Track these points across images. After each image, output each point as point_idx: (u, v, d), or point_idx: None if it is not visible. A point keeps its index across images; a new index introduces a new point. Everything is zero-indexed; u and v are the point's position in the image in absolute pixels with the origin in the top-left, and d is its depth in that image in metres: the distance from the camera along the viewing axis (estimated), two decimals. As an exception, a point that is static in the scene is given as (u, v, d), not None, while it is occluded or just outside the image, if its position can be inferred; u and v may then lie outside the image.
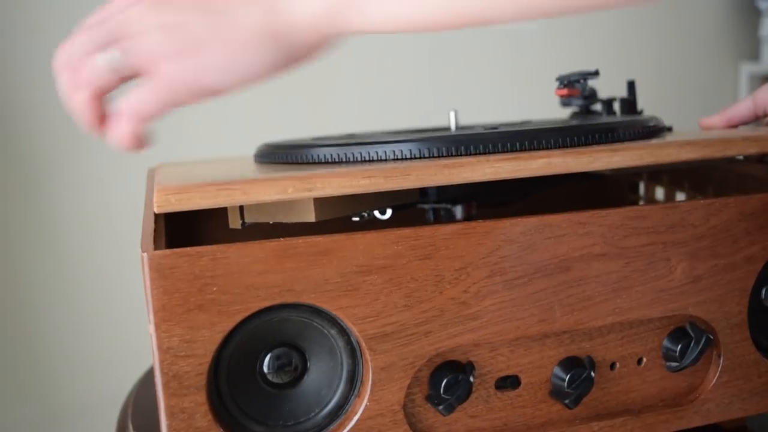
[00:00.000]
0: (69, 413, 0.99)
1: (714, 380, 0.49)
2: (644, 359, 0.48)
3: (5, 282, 0.95)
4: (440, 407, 0.44)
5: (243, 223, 0.45)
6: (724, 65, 1.63)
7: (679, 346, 0.47)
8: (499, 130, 0.48)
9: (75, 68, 0.42)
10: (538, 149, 0.45)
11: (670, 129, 0.61)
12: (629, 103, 0.62)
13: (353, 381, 0.43)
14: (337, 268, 0.40)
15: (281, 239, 0.40)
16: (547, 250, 0.43)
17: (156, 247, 0.39)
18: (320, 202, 0.43)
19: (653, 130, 0.51)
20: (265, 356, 0.42)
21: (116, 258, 0.97)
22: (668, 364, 0.48)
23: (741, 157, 0.59)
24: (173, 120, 1.00)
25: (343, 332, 0.42)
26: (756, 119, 0.53)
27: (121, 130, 0.41)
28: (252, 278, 0.39)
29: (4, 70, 0.90)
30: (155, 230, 0.42)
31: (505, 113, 1.08)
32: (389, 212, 0.49)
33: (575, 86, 0.63)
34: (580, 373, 0.46)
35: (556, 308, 0.44)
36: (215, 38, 0.39)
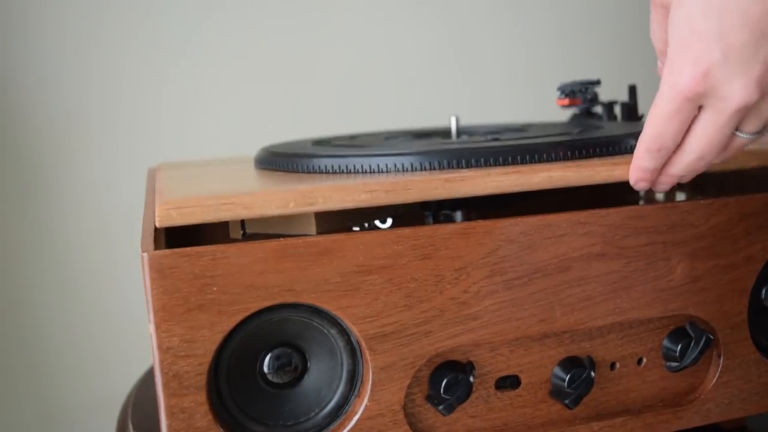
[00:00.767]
0: (69, 413, 0.99)
1: (714, 380, 0.49)
2: (644, 359, 0.48)
3: (4, 282, 0.95)
4: (440, 407, 0.44)
5: (244, 234, 0.46)
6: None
7: (679, 346, 0.47)
8: (500, 142, 0.48)
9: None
10: (539, 162, 0.45)
11: None
12: (630, 108, 0.62)
13: (353, 381, 0.43)
14: (337, 268, 0.40)
15: (281, 239, 0.40)
16: (547, 250, 0.43)
17: (156, 247, 0.39)
18: (321, 215, 0.44)
19: None
20: (265, 356, 0.42)
21: (116, 258, 0.97)
22: (668, 364, 0.48)
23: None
24: (173, 119, 1.00)
25: (343, 332, 0.42)
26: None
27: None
28: (252, 278, 0.39)
29: (3, 70, 0.90)
30: (155, 230, 0.42)
31: (505, 112, 1.08)
32: (390, 221, 0.49)
33: (576, 96, 0.63)
34: (580, 373, 0.46)
35: (556, 308, 0.44)
36: None
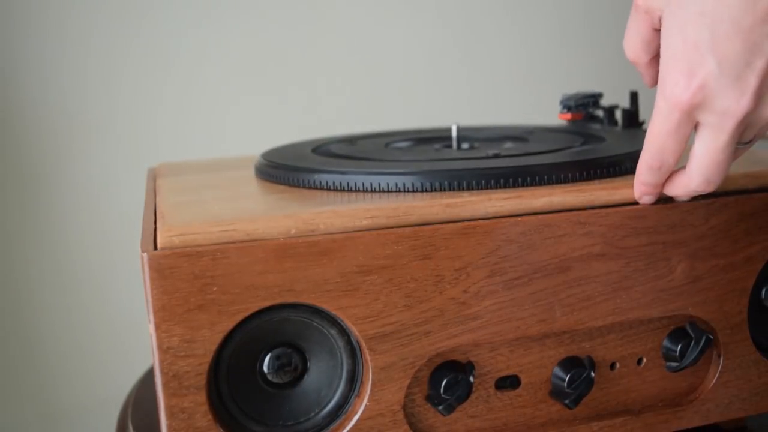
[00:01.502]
0: (69, 413, 0.99)
1: (714, 380, 0.49)
2: (644, 359, 0.48)
3: (4, 281, 0.95)
4: (440, 407, 0.44)
5: None
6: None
7: (679, 346, 0.47)
8: (501, 161, 0.49)
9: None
10: (540, 185, 0.45)
11: None
12: (631, 114, 0.62)
13: (353, 381, 0.43)
14: (337, 268, 0.40)
15: (281, 239, 0.40)
16: (547, 250, 0.43)
17: (156, 247, 0.39)
18: None
19: None
20: (265, 356, 0.42)
21: (116, 258, 0.97)
22: (668, 364, 0.48)
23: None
24: (174, 119, 1.00)
25: (343, 332, 0.42)
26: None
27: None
28: (252, 278, 0.39)
29: (3, 70, 0.90)
30: (155, 230, 0.42)
31: (506, 111, 1.08)
32: None
33: (578, 110, 0.64)
34: (580, 373, 0.46)
35: (556, 308, 0.44)
36: None
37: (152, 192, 0.53)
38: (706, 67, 0.37)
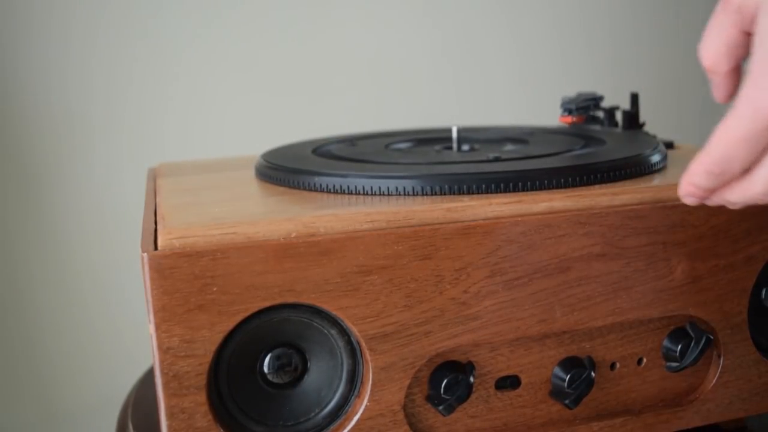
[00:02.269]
0: (69, 413, 0.99)
1: (714, 380, 0.49)
2: (644, 359, 0.48)
3: (4, 281, 0.95)
4: (440, 407, 0.44)
5: None
6: (724, 65, 1.62)
7: (679, 346, 0.47)
8: (502, 164, 0.49)
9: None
10: (541, 189, 0.45)
11: (671, 145, 0.61)
12: (631, 116, 0.62)
13: (353, 381, 0.43)
14: (337, 268, 0.40)
15: (281, 239, 0.40)
16: (547, 250, 0.43)
17: (156, 248, 0.39)
18: None
19: (657, 168, 0.51)
20: (265, 356, 0.42)
21: (116, 258, 0.97)
22: (668, 364, 0.48)
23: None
24: (174, 119, 0.99)
25: (344, 332, 0.42)
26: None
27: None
28: (252, 278, 0.39)
29: (6, 70, 0.90)
30: (155, 230, 0.42)
31: (507, 111, 1.08)
32: None
33: (579, 113, 0.63)
34: (580, 373, 0.46)
35: (556, 308, 0.44)
36: None
37: (152, 192, 0.53)
38: None
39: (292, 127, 0.95)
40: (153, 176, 0.58)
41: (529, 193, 0.45)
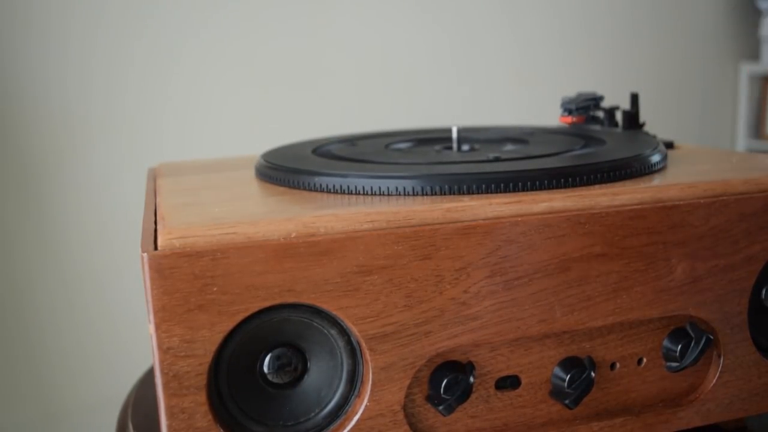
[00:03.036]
0: (69, 413, 0.99)
1: (714, 380, 0.49)
2: (644, 359, 0.48)
3: (4, 281, 0.95)
4: (440, 407, 0.44)
5: None
6: (724, 65, 1.63)
7: (679, 346, 0.47)
8: (502, 164, 0.49)
9: None
10: (541, 190, 0.45)
11: (671, 145, 0.61)
12: (631, 116, 0.62)
13: (353, 381, 0.43)
14: (337, 269, 0.40)
15: (281, 239, 0.40)
16: (547, 250, 0.43)
17: (156, 248, 0.39)
18: None
19: (657, 168, 0.51)
20: (265, 356, 0.42)
21: (116, 258, 0.97)
22: (668, 364, 0.48)
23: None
24: (173, 117, 1.00)
25: (344, 332, 0.42)
26: None
27: None
28: (252, 278, 0.39)
29: (5, 70, 0.90)
30: (155, 230, 0.42)
31: (507, 111, 1.08)
32: None
33: (579, 113, 0.64)
34: (580, 373, 0.46)
35: (556, 308, 0.44)
36: None
37: (152, 192, 0.53)
38: None
39: (292, 127, 0.95)
40: (153, 176, 0.58)
41: (529, 193, 0.45)
